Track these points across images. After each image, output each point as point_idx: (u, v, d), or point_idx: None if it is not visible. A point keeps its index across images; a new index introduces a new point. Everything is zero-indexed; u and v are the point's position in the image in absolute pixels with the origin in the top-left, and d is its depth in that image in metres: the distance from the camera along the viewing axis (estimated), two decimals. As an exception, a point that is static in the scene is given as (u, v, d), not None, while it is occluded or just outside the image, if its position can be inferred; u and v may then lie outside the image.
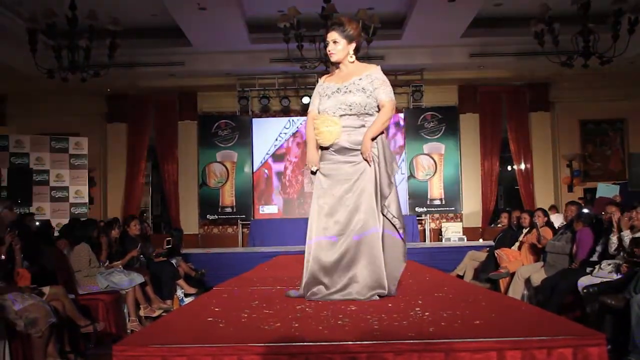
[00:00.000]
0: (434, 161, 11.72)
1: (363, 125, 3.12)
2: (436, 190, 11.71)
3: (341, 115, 3.11)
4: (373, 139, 3.09)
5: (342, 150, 3.14)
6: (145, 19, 9.69)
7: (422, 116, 11.72)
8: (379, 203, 3.09)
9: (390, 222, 3.12)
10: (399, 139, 11.87)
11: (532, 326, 2.25)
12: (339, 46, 3.12)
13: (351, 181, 3.11)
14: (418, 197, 11.67)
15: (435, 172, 11.70)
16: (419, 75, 11.40)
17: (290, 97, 11.63)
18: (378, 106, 3.15)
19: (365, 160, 3.08)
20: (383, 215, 3.10)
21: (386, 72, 3.25)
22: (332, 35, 3.12)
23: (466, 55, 10.51)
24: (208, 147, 11.95)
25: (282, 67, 10.96)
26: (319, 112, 3.19)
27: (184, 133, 12.08)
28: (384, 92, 3.12)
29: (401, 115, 11.74)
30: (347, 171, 3.13)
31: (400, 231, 3.15)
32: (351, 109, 3.11)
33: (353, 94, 3.11)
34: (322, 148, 3.19)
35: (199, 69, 11.03)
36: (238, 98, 11.72)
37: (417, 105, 11.57)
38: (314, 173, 3.23)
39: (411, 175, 11.69)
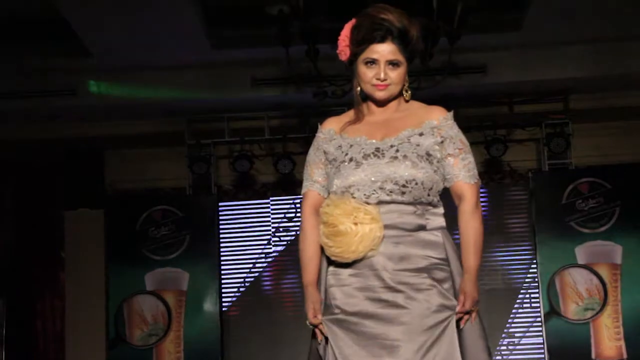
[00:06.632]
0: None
1: (422, 227, 1.67)
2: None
3: (380, 203, 1.64)
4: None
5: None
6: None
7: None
8: None
9: None
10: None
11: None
12: (398, 70, 1.67)
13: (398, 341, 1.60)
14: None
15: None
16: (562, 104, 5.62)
17: (294, 155, 5.76)
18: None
19: (463, 315, 1.63)
20: None
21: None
22: (389, 49, 1.62)
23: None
24: (128, 262, 5.88)
25: (274, 95, 5.62)
26: (328, 195, 1.73)
27: (78, 234, 6.04)
28: (466, 165, 1.70)
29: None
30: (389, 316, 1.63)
31: None
32: (404, 192, 1.65)
33: (410, 161, 1.66)
34: (332, 263, 1.69)
35: (109, 104, 5.64)
36: (189, 161, 5.83)
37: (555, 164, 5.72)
38: (314, 328, 1.70)
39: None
